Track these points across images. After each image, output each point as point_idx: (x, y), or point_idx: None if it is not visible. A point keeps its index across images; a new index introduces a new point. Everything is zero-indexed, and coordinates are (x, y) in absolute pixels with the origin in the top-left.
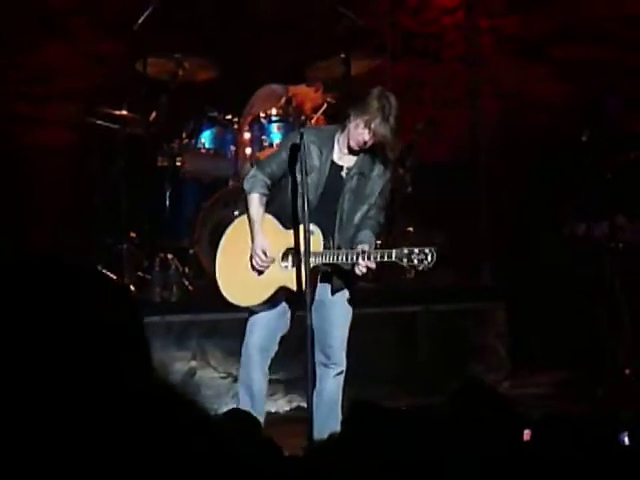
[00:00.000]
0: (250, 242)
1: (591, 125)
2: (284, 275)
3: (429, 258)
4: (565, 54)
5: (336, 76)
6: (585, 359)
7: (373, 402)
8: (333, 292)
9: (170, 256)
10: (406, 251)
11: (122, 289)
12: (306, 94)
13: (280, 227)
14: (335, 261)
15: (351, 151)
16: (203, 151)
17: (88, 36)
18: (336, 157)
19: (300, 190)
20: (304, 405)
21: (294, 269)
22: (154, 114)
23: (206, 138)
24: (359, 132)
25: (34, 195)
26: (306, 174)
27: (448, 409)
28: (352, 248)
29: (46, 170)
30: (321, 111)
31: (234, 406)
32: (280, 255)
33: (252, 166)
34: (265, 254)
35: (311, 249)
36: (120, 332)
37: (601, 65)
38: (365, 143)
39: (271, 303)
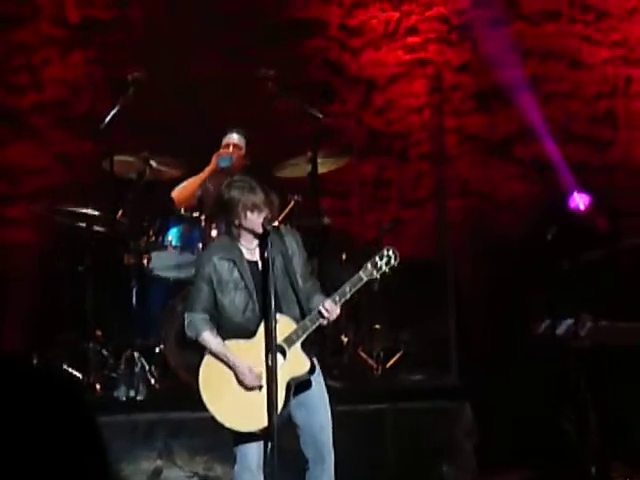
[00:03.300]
0: (228, 372)
1: (556, 224)
2: (281, 372)
3: (392, 255)
4: (530, 153)
5: (302, 174)
6: (552, 457)
7: None
8: (312, 371)
9: (136, 354)
10: (370, 266)
11: (72, 389)
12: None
13: (243, 342)
14: (309, 329)
15: (258, 244)
16: (170, 249)
17: (54, 135)
18: (249, 257)
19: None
20: None
21: (286, 360)
22: (120, 212)
23: (173, 235)
24: (251, 219)
25: (0, 292)
26: (272, 270)
27: None
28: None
29: (12, 268)
30: (288, 209)
31: None
32: (263, 360)
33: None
34: (251, 369)
35: (286, 332)
36: (68, 434)
37: (567, 164)
38: (267, 219)
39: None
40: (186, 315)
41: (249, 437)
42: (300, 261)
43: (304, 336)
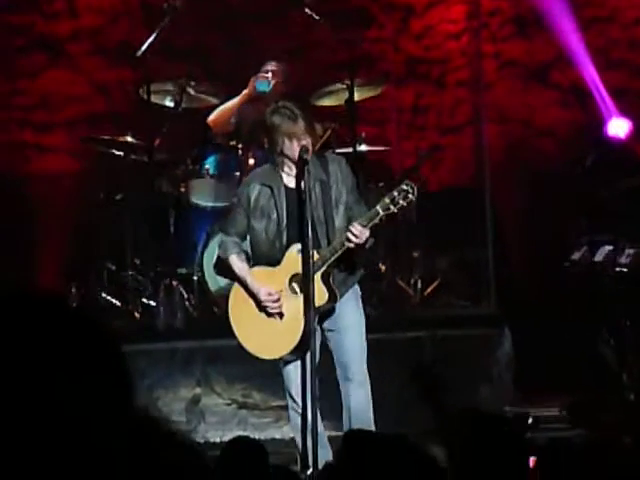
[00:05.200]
0: (251, 299)
1: (595, 151)
2: (300, 300)
3: (411, 191)
4: (569, 79)
5: (340, 103)
6: (590, 384)
7: (367, 431)
8: (333, 300)
9: (175, 282)
10: (387, 200)
11: (92, 320)
12: None
13: (269, 269)
14: (335, 254)
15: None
16: (207, 177)
17: (91, 63)
18: (289, 184)
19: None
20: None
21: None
22: (158, 140)
23: (210, 164)
24: (290, 147)
25: (38, 222)
26: (309, 198)
27: (446, 436)
28: None
29: (50, 197)
30: (325, 137)
31: (239, 433)
32: (286, 288)
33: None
34: (271, 294)
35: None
36: (92, 363)
37: (606, 90)
38: (304, 148)
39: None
40: (220, 235)
41: (288, 361)
42: (343, 189)
43: (324, 267)
